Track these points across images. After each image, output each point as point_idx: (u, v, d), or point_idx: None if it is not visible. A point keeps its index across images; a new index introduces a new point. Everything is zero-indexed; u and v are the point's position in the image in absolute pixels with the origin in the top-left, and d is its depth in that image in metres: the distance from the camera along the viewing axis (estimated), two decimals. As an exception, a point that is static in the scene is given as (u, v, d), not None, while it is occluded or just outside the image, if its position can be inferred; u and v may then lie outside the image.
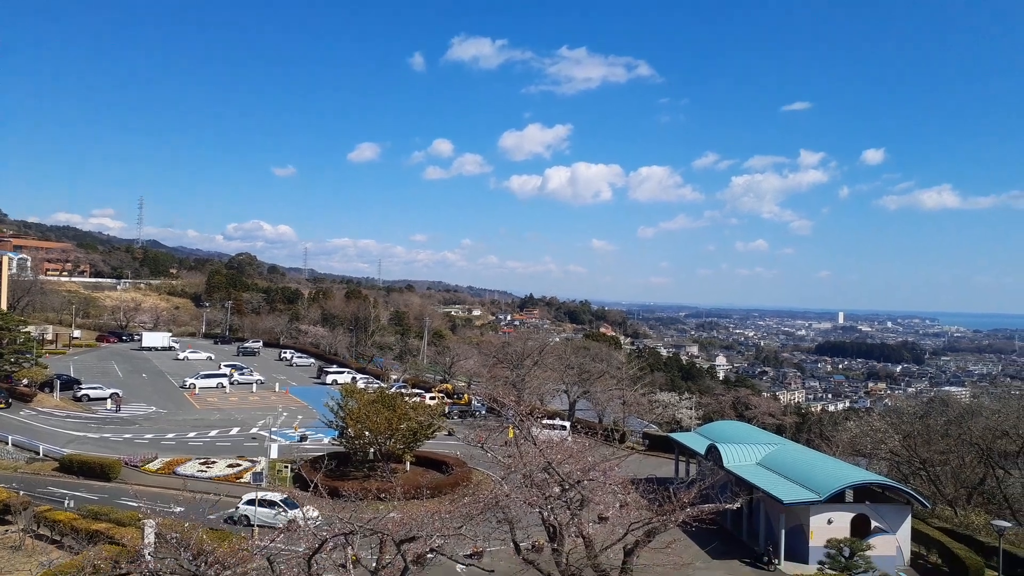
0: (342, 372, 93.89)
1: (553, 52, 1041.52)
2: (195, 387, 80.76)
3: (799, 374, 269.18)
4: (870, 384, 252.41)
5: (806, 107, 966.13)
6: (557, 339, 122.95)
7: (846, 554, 31.90)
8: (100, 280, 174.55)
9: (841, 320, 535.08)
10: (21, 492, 37.91)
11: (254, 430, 61.46)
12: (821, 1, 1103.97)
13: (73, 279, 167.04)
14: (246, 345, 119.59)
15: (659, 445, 62.82)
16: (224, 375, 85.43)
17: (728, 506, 27.54)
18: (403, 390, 65.87)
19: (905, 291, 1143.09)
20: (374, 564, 21.13)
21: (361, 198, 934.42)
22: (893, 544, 36.04)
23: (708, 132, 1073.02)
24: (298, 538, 21.69)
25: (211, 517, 36.79)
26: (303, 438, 58.61)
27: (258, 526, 35.74)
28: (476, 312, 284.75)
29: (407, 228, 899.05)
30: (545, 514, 24.08)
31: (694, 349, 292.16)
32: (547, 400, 76.53)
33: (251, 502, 37.04)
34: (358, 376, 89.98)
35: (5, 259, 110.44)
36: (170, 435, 59.04)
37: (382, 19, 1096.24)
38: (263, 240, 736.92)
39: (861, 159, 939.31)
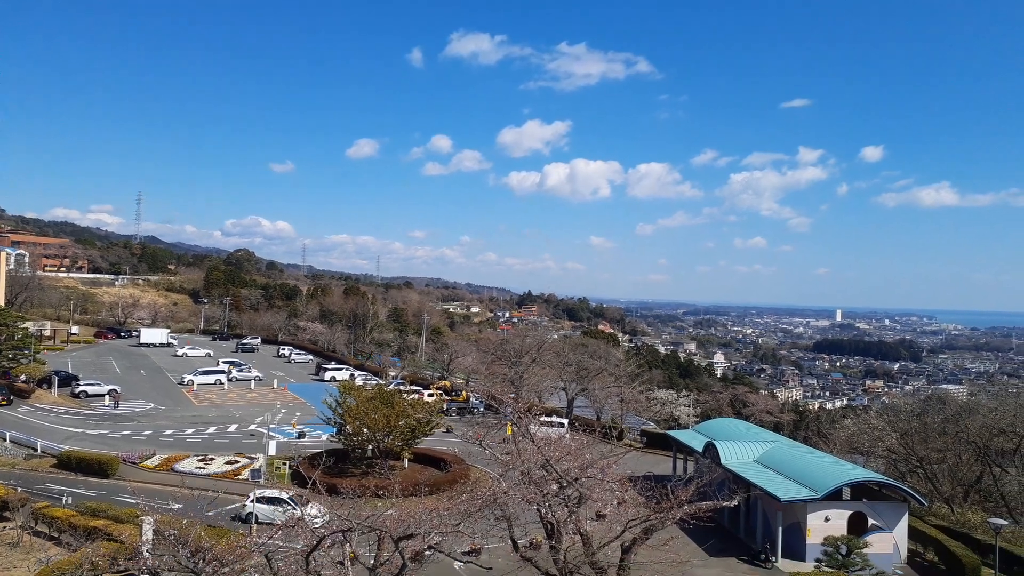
0: (340, 369, 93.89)
1: (552, 48, 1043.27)
2: (193, 384, 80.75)
3: (797, 372, 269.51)
4: (868, 382, 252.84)
5: (805, 104, 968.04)
6: (555, 336, 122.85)
7: (843, 552, 31.94)
8: (98, 276, 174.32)
9: (839, 318, 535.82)
10: (19, 489, 37.89)
11: (252, 427, 61.44)
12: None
13: (71, 275, 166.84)
14: (245, 342, 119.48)
15: (657, 443, 62.89)
16: (222, 372, 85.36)
17: (726, 504, 27.56)
18: (401, 387, 65.88)
19: (903, 289, 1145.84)
20: (372, 561, 21.14)
21: (360, 194, 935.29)
22: (890, 542, 36.12)
23: (707, 129, 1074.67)
24: (296, 535, 21.71)
25: (209, 514, 36.81)
26: (301, 435, 58.63)
27: (266, 524, 35.74)
28: (474, 309, 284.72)
29: (406, 224, 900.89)
30: (543, 511, 24.11)
31: (692, 346, 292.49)
32: (545, 397, 76.56)
33: (259, 499, 37.01)
34: (356, 373, 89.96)
35: (3, 255, 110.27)
36: (168, 432, 59.02)
37: (381, 15, 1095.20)
38: (261, 236, 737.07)
39: (860, 156, 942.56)
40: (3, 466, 46.18)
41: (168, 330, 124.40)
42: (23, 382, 70.17)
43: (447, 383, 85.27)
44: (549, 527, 24.21)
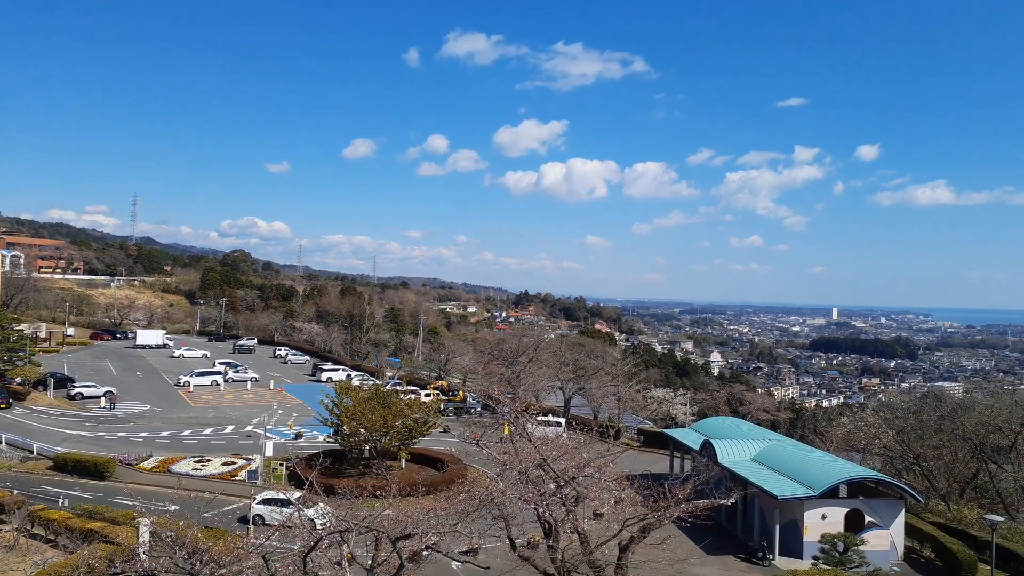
0: (337, 369, 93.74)
1: (548, 47, 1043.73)
2: (190, 385, 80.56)
3: (793, 370, 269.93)
4: (864, 380, 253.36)
5: (801, 103, 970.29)
6: (552, 336, 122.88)
7: (840, 549, 32.03)
8: (94, 277, 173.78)
9: (835, 316, 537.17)
10: (15, 491, 37.78)
11: (249, 428, 61.33)
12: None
13: (67, 276, 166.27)
14: (242, 343, 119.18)
15: (654, 441, 62.93)
16: (219, 373, 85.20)
17: (723, 502, 27.57)
18: (398, 387, 65.83)
19: (899, 287, 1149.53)
20: (370, 561, 21.11)
21: (356, 194, 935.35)
22: (887, 539, 36.22)
23: (703, 128, 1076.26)
24: (294, 536, 21.67)
25: (206, 515, 36.78)
26: (298, 436, 58.55)
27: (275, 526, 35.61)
28: (471, 309, 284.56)
29: (402, 224, 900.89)
30: (540, 511, 24.10)
31: (689, 345, 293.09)
32: (542, 397, 76.55)
33: (265, 501, 36.89)
34: (353, 373, 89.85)
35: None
36: (164, 433, 58.90)
37: (377, 14, 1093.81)
38: (257, 237, 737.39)
39: (856, 155, 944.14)
40: (-1, 468, 46.07)
41: (164, 331, 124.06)
42: (18, 384, 69.95)
43: (444, 383, 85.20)
44: (546, 526, 24.20)
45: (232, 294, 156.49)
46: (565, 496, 24.46)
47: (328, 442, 51.98)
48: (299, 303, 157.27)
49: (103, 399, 69.71)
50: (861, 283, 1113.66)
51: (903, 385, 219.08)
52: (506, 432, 43.77)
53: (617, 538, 24.11)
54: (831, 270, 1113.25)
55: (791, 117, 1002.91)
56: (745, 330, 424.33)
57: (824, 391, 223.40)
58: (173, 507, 36.61)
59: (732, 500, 30.53)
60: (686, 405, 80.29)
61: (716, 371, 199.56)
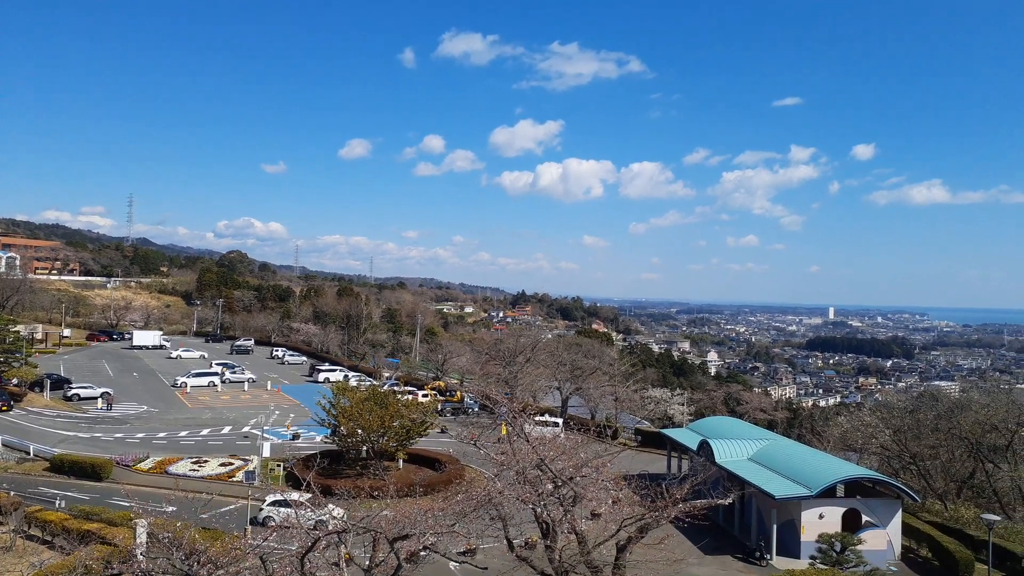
0: (334, 370, 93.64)
1: (544, 47, 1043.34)
2: (186, 386, 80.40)
3: (790, 369, 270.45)
4: (860, 379, 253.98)
5: (797, 102, 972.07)
6: (549, 336, 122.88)
7: (837, 548, 32.06)
8: (90, 278, 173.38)
9: (831, 315, 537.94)
10: (12, 492, 37.68)
11: (246, 429, 61.23)
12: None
13: (63, 277, 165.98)
14: (239, 343, 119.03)
15: (651, 441, 63.00)
16: (216, 373, 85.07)
17: (720, 502, 27.60)
18: (395, 388, 65.80)
19: (895, 286, 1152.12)
20: (367, 562, 21.11)
21: (352, 195, 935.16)
22: (884, 538, 36.29)
23: (699, 128, 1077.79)
24: (291, 536, 21.66)
25: (204, 516, 36.75)
26: (295, 436, 58.49)
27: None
28: (468, 309, 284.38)
29: (399, 225, 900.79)
30: (538, 511, 24.10)
31: (685, 345, 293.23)
32: (539, 397, 76.60)
33: (275, 503, 36.79)
34: (350, 374, 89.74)
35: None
36: (161, 434, 58.80)
37: (372, 14, 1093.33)
38: (254, 238, 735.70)
39: (852, 154, 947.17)
40: (-5, 470, 45.94)
41: (161, 332, 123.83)
42: (15, 385, 69.82)
43: (441, 383, 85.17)
44: (544, 526, 24.20)
45: (229, 295, 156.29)
46: (563, 496, 24.46)
47: (325, 443, 51.94)
48: (296, 304, 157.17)
49: (100, 400, 69.53)
50: (857, 282, 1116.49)
51: (900, 384, 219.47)
52: (503, 432, 43.76)
53: (615, 538, 24.12)
54: (827, 269, 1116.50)
55: (787, 116, 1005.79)
56: (742, 330, 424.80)
57: (821, 391, 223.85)
58: (170, 508, 36.34)
59: (730, 500, 30.56)
60: (683, 405, 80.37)
61: (713, 371, 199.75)
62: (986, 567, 31.74)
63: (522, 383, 72.58)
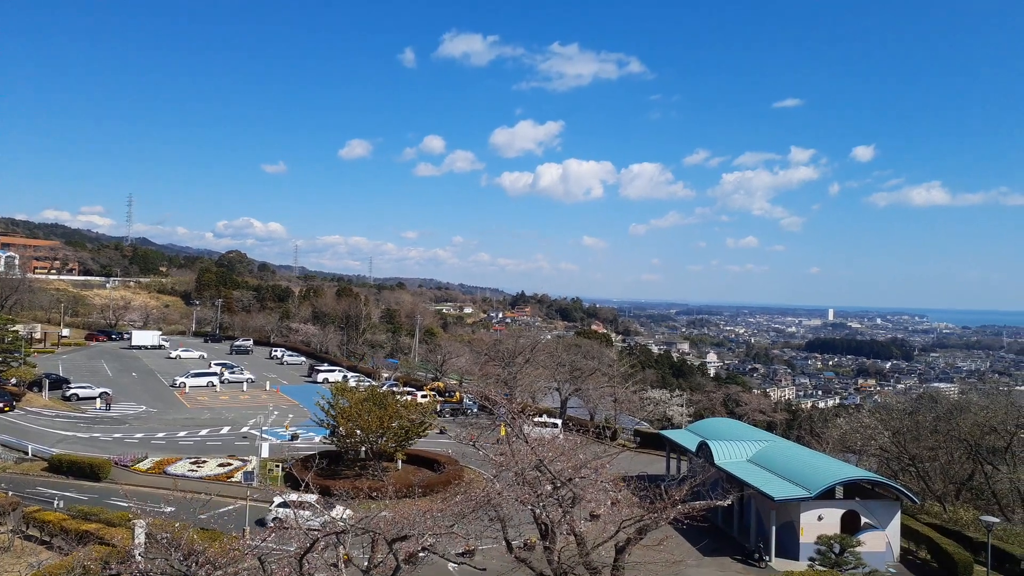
0: (333, 370, 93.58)
1: (545, 48, 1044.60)
2: (185, 386, 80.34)
3: (789, 371, 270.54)
4: (860, 381, 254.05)
5: (797, 104, 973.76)
6: (548, 337, 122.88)
7: (836, 550, 32.07)
8: (89, 278, 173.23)
9: (831, 317, 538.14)
10: (10, 493, 37.61)
11: (245, 429, 61.18)
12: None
13: (62, 277, 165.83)
14: (238, 343, 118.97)
15: (650, 442, 62.99)
16: (214, 374, 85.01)
17: (719, 503, 27.60)
18: (394, 388, 65.74)
19: (894, 288, 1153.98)
20: (366, 563, 21.09)
21: (352, 195, 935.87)
22: (883, 540, 36.27)
23: (699, 129, 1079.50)
24: (289, 537, 21.63)
25: (202, 517, 36.70)
26: (294, 437, 58.44)
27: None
28: (467, 310, 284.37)
29: (398, 225, 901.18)
30: (537, 512, 24.09)
31: (685, 346, 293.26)
32: (539, 398, 76.57)
33: (284, 504, 36.71)
34: (349, 374, 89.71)
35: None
36: (160, 434, 58.74)
37: (372, 14, 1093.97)
38: (253, 238, 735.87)
39: (851, 156, 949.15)
40: (-7, 470, 45.87)
41: (160, 332, 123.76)
42: (13, 385, 69.74)
43: (440, 384, 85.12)
44: (543, 528, 24.19)
45: (228, 295, 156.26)
46: (562, 497, 24.45)
47: (324, 443, 51.88)
48: (295, 304, 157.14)
49: (99, 400, 69.47)
50: (857, 284, 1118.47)
51: (899, 386, 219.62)
52: (502, 433, 43.72)
53: (614, 539, 24.11)
54: (827, 271, 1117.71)
55: (787, 118, 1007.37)
56: (741, 331, 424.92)
57: (820, 392, 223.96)
58: (169, 508, 36.22)
59: (729, 501, 30.56)
60: (682, 406, 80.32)
61: (712, 372, 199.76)
62: (985, 569, 31.74)
63: (521, 384, 72.59)
